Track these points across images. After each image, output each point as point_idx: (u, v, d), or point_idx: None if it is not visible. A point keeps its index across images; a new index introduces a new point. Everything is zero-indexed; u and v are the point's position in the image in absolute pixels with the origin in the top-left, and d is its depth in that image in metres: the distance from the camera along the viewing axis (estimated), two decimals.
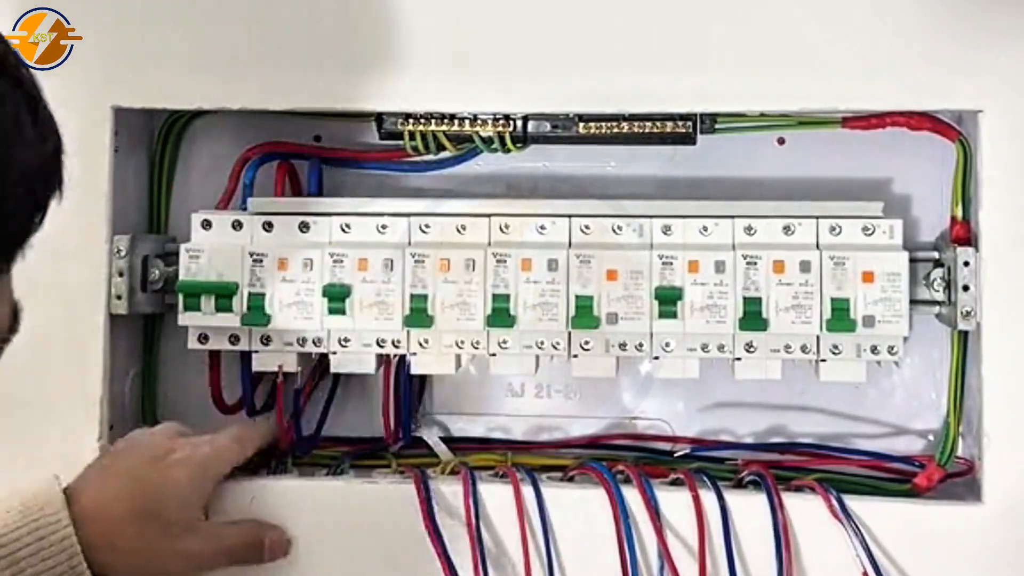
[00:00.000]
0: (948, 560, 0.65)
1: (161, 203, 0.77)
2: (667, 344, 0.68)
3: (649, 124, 0.71)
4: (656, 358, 0.69)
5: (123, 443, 0.67)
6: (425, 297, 0.69)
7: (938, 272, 0.69)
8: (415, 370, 0.71)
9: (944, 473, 0.69)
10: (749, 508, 0.66)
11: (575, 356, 0.69)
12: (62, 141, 0.41)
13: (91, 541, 0.60)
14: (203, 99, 0.71)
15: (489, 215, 0.70)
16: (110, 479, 0.64)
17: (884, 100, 0.68)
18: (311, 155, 0.76)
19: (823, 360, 0.68)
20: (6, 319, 0.41)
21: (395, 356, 0.72)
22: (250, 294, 0.70)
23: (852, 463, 0.73)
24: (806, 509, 0.66)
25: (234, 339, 0.71)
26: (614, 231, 0.69)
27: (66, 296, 0.70)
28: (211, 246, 0.70)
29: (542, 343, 0.69)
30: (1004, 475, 0.65)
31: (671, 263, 0.68)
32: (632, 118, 0.71)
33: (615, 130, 0.71)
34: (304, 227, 0.71)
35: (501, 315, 0.68)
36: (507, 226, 0.70)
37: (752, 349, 0.68)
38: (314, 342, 0.70)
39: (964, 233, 0.69)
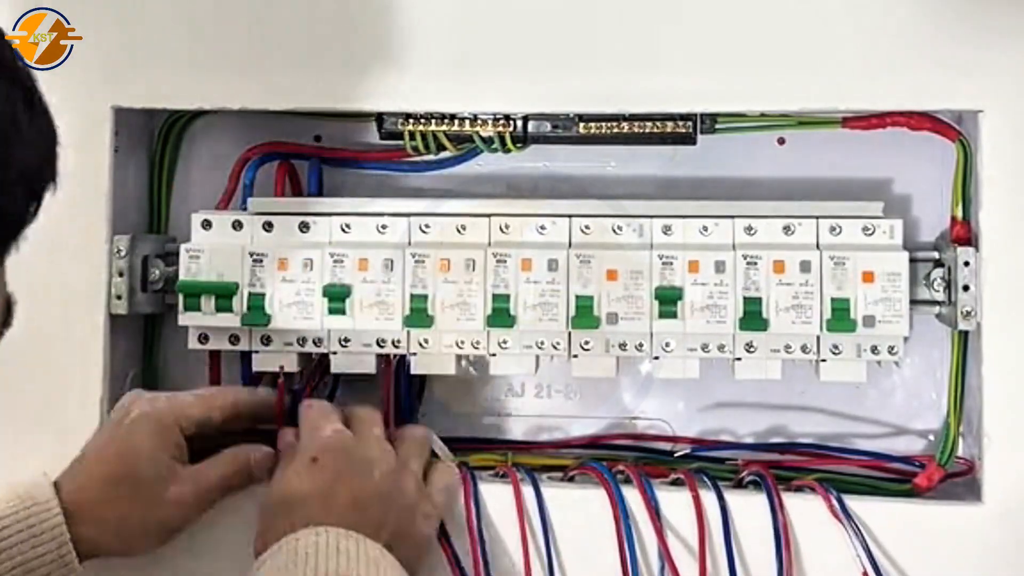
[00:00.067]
0: (948, 560, 0.65)
1: (161, 203, 0.77)
2: (667, 344, 0.68)
3: (649, 124, 0.71)
4: (656, 358, 0.69)
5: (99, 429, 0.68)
6: (425, 297, 0.69)
7: (938, 272, 0.69)
8: (415, 370, 0.71)
9: (944, 473, 0.69)
10: (749, 508, 0.66)
11: (575, 356, 0.69)
12: (57, 134, 0.41)
13: (79, 523, 0.61)
14: (203, 99, 0.71)
15: (489, 215, 0.70)
16: (85, 459, 0.65)
17: (884, 100, 0.68)
18: (311, 155, 0.76)
19: (823, 360, 0.68)
20: (3, 312, 0.41)
21: (395, 356, 0.72)
22: (250, 294, 0.70)
23: (852, 463, 0.72)
24: (806, 509, 0.66)
25: (234, 339, 0.71)
26: (614, 231, 0.69)
27: (66, 296, 0.70)
28: (211, 246, 0.70)
29: (542, 343, 0.69)
30: (1004, 475, 0.65)
31: (671, 263, 0.68)
32: (632, 118, 0.71)
33: (615, 130, 0.71)
34: (304, 227, 0.71)
35: (501, 315, 0.68)
36: (507, 226, 0.70)
37: (752, 349, 0.68)
38: (314, 342, 0.70)
39: (964, 233, 0.69)
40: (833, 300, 0.67)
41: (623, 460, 0.71)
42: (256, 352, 0.71)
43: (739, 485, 0.69)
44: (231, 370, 0.74)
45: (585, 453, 0.74)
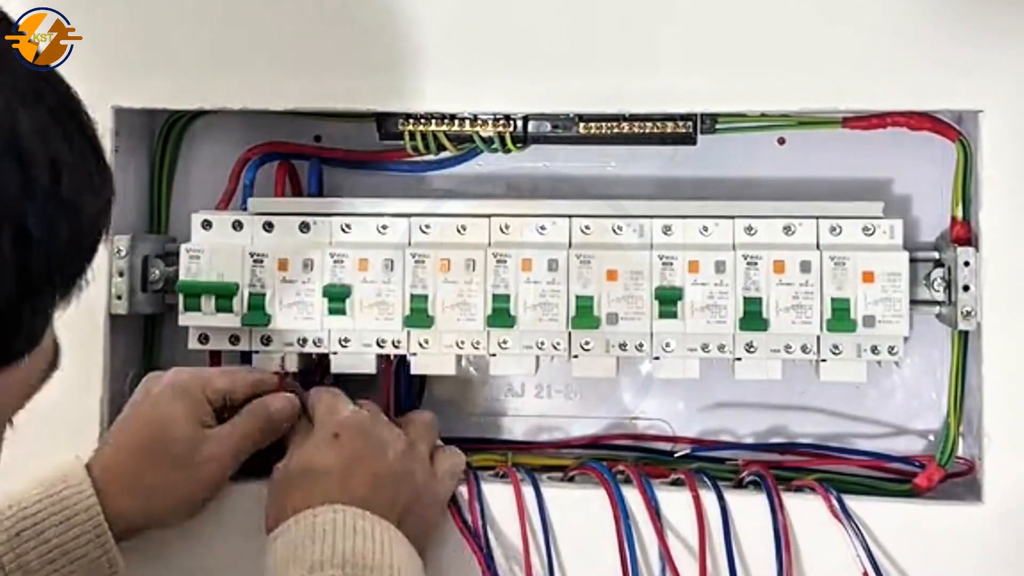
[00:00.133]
0: (948, 560, 0.65)
1: (161, 203, 0.77)
2: (667, 344, 0.68)
3: (649, 124, 0.71)
4: (656, 358, 0.69)
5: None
6: (425, 297, 0.69)
7: (938, 272, 0.69)
8: (415, 370, 0.71)
9: (944, 473, 0.69)
10: (749, 508, 0.66)
11: (575, 356, 0.69)
12: (114, 184, 0.42)
13: (114, 500, 0.62)
14: (203, 99, 0.71)
15: (489, 215, 0.70)
16: (112, 437, 0.66)
17: (884, 100, 0.68)
18: (311, 155, 0.76)
19: (823, 360, 0.68)
20: (50, 355, 0.43)
21: (395, 356, 0.72)
22: (250, 294, 0.70)
23: (852, 463, 0.73)
24: (806, 509, 0.66)
25: (234, 339, 0.71)
26: (614, 231, 0.69)
27: None
28: (211, 246, 0.70)
29: (542, 343, 0.69)
30: (1004, 475, 0.65)
31: (671, 263, 0.68)
32: (632, 118, 0.71)
33: (615, 130, 0.71)
34: (304, 227, 0.71)
35: (501, 315, 0.68)
36: (507, 226, 0.70)
37: (752, 349, 0.68)
38: (314, 342, 0.70)
39: (964, 233, 0.69)
40: (833, 300, 0.67)
41: (623, 460, 0.71)
42: (256, 352, 0.71)
43: (739, 485, 0.69)
44: None
45: (585, 453, 0.74)
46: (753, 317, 0.67)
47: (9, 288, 0.36)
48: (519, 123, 0.72)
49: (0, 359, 0.38)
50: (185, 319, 0.70)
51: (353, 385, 0.75)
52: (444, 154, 0.75)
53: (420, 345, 0.70)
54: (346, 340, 0.70)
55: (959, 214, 0.69)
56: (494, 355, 0.70)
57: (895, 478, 0.72)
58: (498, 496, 0.67)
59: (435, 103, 0.70)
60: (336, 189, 0.77)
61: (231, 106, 0.71)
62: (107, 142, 0.71)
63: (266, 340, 0.71)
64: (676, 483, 0.68)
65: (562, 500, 0.67)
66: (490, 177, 0.77)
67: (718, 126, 0.72)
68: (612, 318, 0.68)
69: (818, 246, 0.68)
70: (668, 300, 0.67)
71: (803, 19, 0.67)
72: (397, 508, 0.62)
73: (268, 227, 0.71)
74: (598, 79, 0.69)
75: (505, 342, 0.69)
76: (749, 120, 0.72)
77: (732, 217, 0.69)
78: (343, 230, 0.71)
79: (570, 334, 0.69)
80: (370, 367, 0.71)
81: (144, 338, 0.76)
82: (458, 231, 0.70)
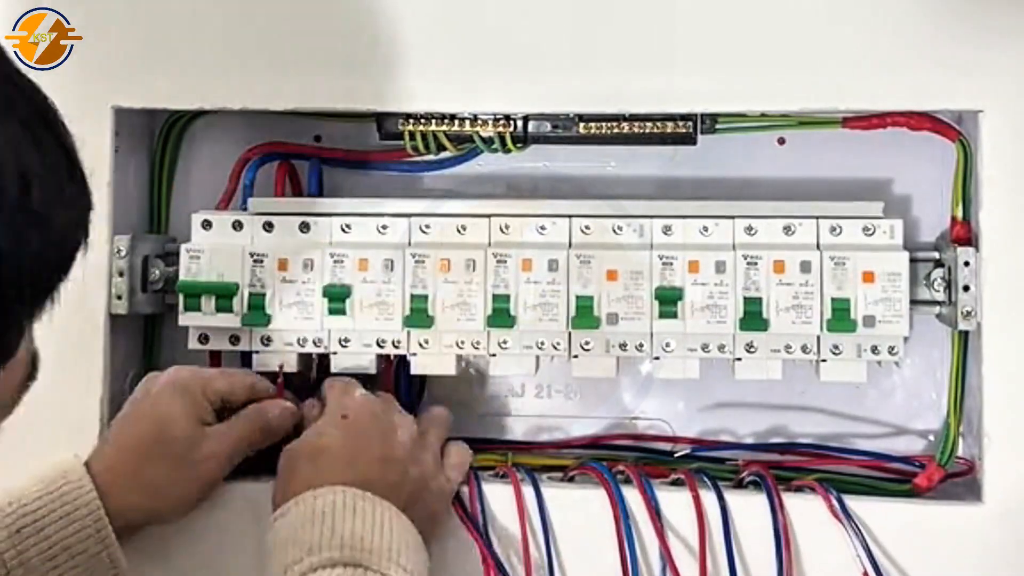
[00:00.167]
0: (948, 560, 0.65)
1: (161, 203, 0.77)
2: (667, 344, 0.68)
3: (649, 124, 0.71)
4: (656, 358, 0.69)
5: None
6: (425, 297, 0.69)
7: (938, 272, 0.69)
8: (415, 370, 0.71)
9: (944, 473, 0.69)
10: (749, 508, 0.66)
11: (575, 356, 0.69)
12: (91, 197, 0.42)
13: (114, 496, 0.62)
14: (203, 99, 0.71)
15: (489, 215, 0.70)
16: (112, 435, 0.66)
17: (884, 100, 0.68)
18: (311, 155, 0.76)
19: (823, 360, 0.68)
20: (27, 366, 0.43)
21: (395, 356, 0.72)
22: (250, 294, 0.70)
23: (852, 463, 0.72)
24: (806, 509, 0.66)
25: (234, 339, 0.71)
26: (614, 231, 0.69)
27: (66, 296, 0.70)
28: (211, 246, 0.70)
29: (542, 343, 0.69)
30: (1004, 475, 0.65)
31: (671, 263, 0.68)
32: (632, 118, 0.71)
33: (615, 130, 0.71)
34: (304, 227, 0.71)
35: (501, 315, 0.68)
36: (507, 226, 0.70)
37: (752, 349, 0.68)
38: (314, 342, 0.70)
39: (964, 233, 0.69)
40: (833, 300, 0.67)
41: (623, 460, 0.71)
42: (256, 352, 0.71)
43: (739, 485, 0.69)
44: None
45: (585, 453, 0.74)
46: (753, 317, 0.67)
47: None
48: (519, 123, 0.72)
49: None
50: (185, 319, 0.70)
51: None
52: (444, 154, 0.75)
53: (420, 345, 0.70)
54: (346, 340, 0.70)
55: (959, 214, 0.69)
56: (494, 355, 0.70)
57: (895, 478, 0.71)
58: (498, 496, 0.67)
59: (435, 103, 0.70)
60: (336, 189, 0.77)
61: (231, 106, 0.71)
62: (107, 142, 0.71)
63: (266, 340, 0.71)
64: (676, 483, 0.68)
65: (562, 500, 0.67)
66: (490, 177, 0.77)
67: (718, 126, 0.72)
68: (612, 318, 0.68)
69: (818, 246, 0.68)
70: (668, 300, 0.67)
71: (803, 19, 0.67)
72: (403, 492, 0.62)
73: (268, 227, 0.71)
74: (598, 79, 0.69)
75: (505, 342, 0.69)
76: (749, 120, 0.72)
77: (732, 217, 0.69)
78: (343, 230, 0.71)
79: (570, 334, 0.69)
80: (370, 367, 0.71)
81: (144, 338, 0.76)
82: (458, 231, 0.70)
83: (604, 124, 0.71)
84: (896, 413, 0.75)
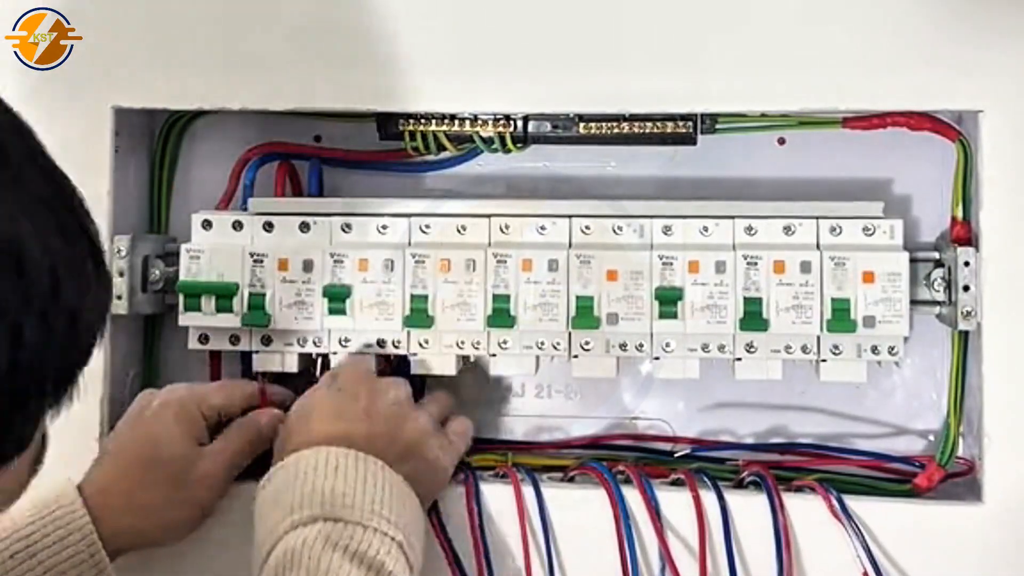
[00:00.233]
0: (948, 560, 0.65)
1: (161, 203, 0.77)
2: (667, 344, 0.68)
3: (649, 124, 0.71)
4: (656, 358, 0.69)
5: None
6: (425, 297, 0.69)
7: (938, 272, 0.69)
8: (415, 370, 0.71)
9: (944, 473, 0.69)
10: (749, 508, 0.66)
11: (575, 356, 0.69)
12: (112, 283, 0.42)
13: (107, 520, 0.61)
14: (203, 99, 0.71)
15: (489, 215, 0.70)
16: (106, 456, 0.66)
17: (884, 100, 0.68)
18: (311, 155, 0.76)
19: (823, 360, 0.68)
20: (37, 451, 0.42)
21: (395, 356, 0.72)
22: (250, 294, 0.70)
23: (852, 463, 0.72)
24: (806, 509, 0.66)
25: (234, 339, 0.71)
26: (614, 231, 0.69)
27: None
28: (211, 246, 0.70)
29: (542, 343, 0.69)
30: (1004, 475, 0.65)
31: (671, 263, 0.68)
32: (632, 118, 0.71)
33: (615, 130, 0.71)
34: (304, 227, 0.71)
35: (501, 315, 0.68)
36: (507, 226, 0.70)
37: (752, 349, 0.68)
38: (314, 342, 0.70)
39: (964, 233, 0.69)
40: (833, 300, 0.67)
41: (623, 460, 0.71)
42: (256, 352, 0.71)
43: (739, 485, 0.69)
44: (231, 370, 0.74)
45: (585, 453, 0.74)
46: (753, 317, 0.67)
47: (2, 395, 0.36)
48: (519, 123, 0.72)
49: None
50: (185, 319, 0.70)
51: None
52: (444, 154, 0.75)
53: (420, 345, 0.70)
54: (346, 340, 0.70)
55: (959, 214, 0.69)
56: (494, 355, 0.70)
57: (895, 478, 0.71)
58: (498, 496, 0.67)
59: (435, 103, 0.70)
60: (336, 189, 0.77)
61: (231, 106, 0.71)
62: (107, 142, 0.71)
63: (266, 340, 0.71)
64: (676, 483, 0.68)
65: (562, 500, 0.67)
66: (490, 177, 0.77)
67: (718, 126, 0.72)
68: (612, 318, 0.68)
69: (818, 246, 0.68)
70: (668, 300, 0.67)
71: (803, 19, 0.67)
72: (394, 446, 0.63)
73: (268, 227, 0.71)
74: (598, 79, 0.69)
75: (505, 342, 0.69)
76: (749, 120, 0.72)
77: (732, 217, 0.69)
78: (343, 230, 0.71)
79: (570, 334, 0.69)
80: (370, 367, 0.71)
81: (144, 338, 0.76)
82: (458, 231, 0.70)
83: (604, 124, 0.71)
84: (896, 413, 0.75)
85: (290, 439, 0.63)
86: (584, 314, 0.68)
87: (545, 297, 0.68)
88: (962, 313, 0.67)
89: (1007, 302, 0.66)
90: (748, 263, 0.67)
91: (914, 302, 0.68)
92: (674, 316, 0.67)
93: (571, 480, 0.70)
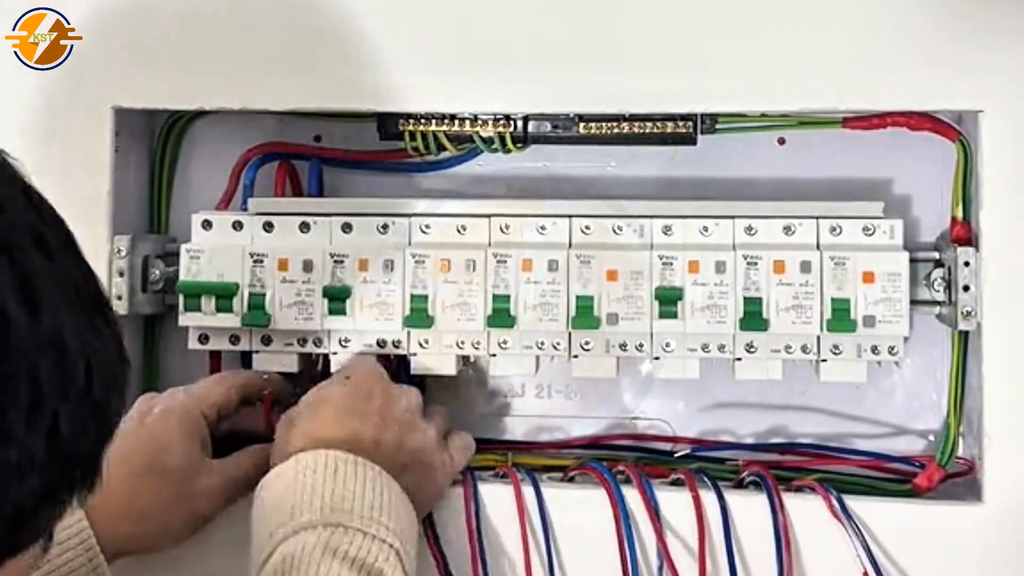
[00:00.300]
0: (948, 560, 0.65)
1: (161, 203, 0.77)
2: (667, 344, 0.68)
3: (649, 124, 0.71)
4: (656, 358, 0.69)
5: None
6: (425, 297, 0.69)
7: (938, 272, 0.69)
8: (415, 370, 0.71)
9: (944, 473, 0.69)
10: (749, 508, 0.66)
11: (575, 356, 0.69)
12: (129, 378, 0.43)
13: (106, 525, 0.61)
14: (203, 99, 0.71)
15: (489, 215, 0.70)
16: (107, 461, 0.65)
17: (884, 100, 0.68)
18: (311, 155, 0.76)
19: (823, 360, 0.68)
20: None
21: (395, 356, 0.72)
22: (250, 294, 0.70)
23: (852, 463, 0.72)
24: (806, 509, 0.66)
25: (234, 339, 0.71)
26: (614, 231, 0.69)
27: None
28: (211, 246, 0.70)
29: (542, 343, 0.69)
30: (1004, 475, 0.65)
31: (671, 263, 0.68)
32: (632, 118, 0.71)
33: (615, 130, 0.71)
34: (304, 227, 0.71)
35: (501, 315, 0.68)
36: (507, 226, 0.70)
37: (752, 349, 0.68)
38: (314, 342, 0.70)
39: (964, 233, 0.69)
40: (833, 300, 0.67)
41: (623, 460, 0.71)
42: (256, 352, 0.71)
43: (739, 485, 0.69)
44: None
45: (585, 453, 0.74)
46: (753, 317, 0.67)
47: (35, 486, 0.36)
48: (519, 123, 0.72)
49: (5, 552, 0.37)
50: (185, 319, 0.70)
51: None
52: (444, 154, 0.75)
53: (420, 345, 0.70)
54: (346, 340, 0.70)
55: (959, 214, 0.69)
56: (494, 355, 0.70)
57: (895, 478, 0.71)
58: (498, 496, 0.67)
59: (435, 103, 0.70)
60: (336, 189, 0.77)
61: (231, 106, 0.71)
62: (107, 142, 0.71)
63: (266, 340, 0.71)
64: (676, 483, 0.68)
65: (562, 500, 0.67)
66: (490, 177, 0.77)
67: (718, 126, 0.72)
68: (612, 318, 0.68)
69: (818, 246, 0.68)
70: (668, 300, 0.67)
71: (803, 19, 0.67)
72: (398, 456, 0.63)
73: (268, 227, 0.71)
74: (598, 79, 0.69)
75: (505, 342, 0.69)
76: (749, 120, 0.72)
77: (732, 217, 0.69)
78: (343, 230, 0.71)
79: (570, 334, 0.69)
80: None
81: (144, 338, 0.76)
82: (458, 231, 0.70)
83: (604, 124, 0.71)
84: (896, 413, 0.75)
85: (297, 428, 0.63)
86: (584, 314, 0.68)
87: (545, 297, 0.68)
88: (962, 313, 0.67)
89: (1007, 302, 0.66)
90: (748, 263, 0.67)
91: (914, 302, 0.68)
92: (674, 316, 0.67)
93: (571, 480, 0.70)
